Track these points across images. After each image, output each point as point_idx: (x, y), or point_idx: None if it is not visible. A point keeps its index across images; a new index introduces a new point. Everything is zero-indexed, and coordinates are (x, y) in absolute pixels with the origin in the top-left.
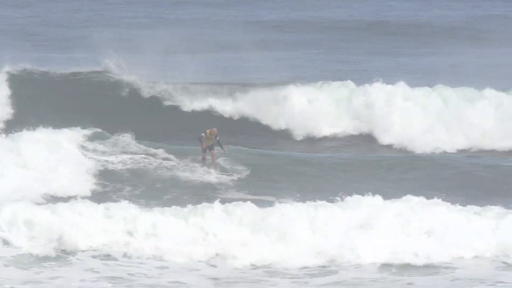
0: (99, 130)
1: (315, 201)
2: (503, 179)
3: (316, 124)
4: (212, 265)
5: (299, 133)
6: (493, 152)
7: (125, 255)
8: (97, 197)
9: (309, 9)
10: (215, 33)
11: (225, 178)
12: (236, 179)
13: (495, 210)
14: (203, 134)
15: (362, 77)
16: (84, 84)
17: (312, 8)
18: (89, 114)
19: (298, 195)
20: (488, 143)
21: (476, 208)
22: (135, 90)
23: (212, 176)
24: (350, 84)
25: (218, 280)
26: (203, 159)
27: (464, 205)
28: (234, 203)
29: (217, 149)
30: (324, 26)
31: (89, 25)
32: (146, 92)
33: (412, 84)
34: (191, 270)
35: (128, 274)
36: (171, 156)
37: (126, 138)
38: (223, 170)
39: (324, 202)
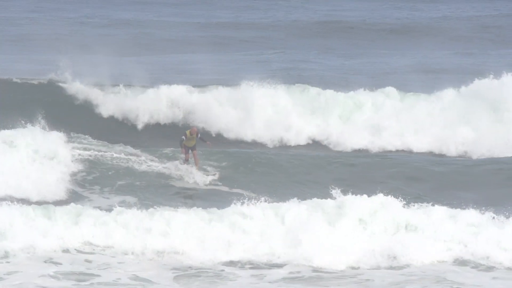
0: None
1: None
2: (453, 176)
3: (275, 127)
4: (174, 256)
5: (255, 136)
6: (437, 151)
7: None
8: (52, 185)
9: (266, 9)
10: (168, 33)
11: (205, 178)
12: (216, 178)
13: (451, 209)
14: (183, 137)
15: (313, 75)
16: (39, 91)
17: (269, 8)
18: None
19: (256, 190)
20: (434, 144)
21: (434, 207)
22: (86, 95)
23: (197, 177)
24: (307, 87)
25: (178, 271)
26: (186, 160)
27: (419, 203)
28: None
29: (200, 148)
30: (280, 26)
31: (44, 24)
32: (98, 97)
33: (368, 84)
34: (151, 260)
35: (88, 268)
36: (128, 150)
37: (83, 136)
38: (202, 170)
39: (291, 200)
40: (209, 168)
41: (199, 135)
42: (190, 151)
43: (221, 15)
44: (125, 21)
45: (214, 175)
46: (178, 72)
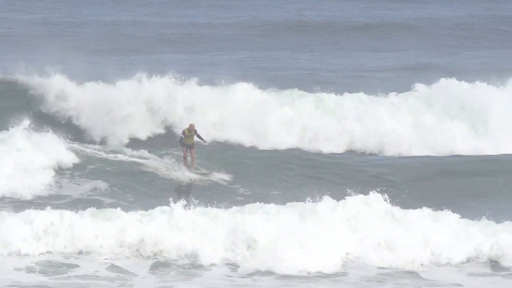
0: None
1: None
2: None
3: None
4: (151, 247)
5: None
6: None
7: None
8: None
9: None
10: (142, 32)
11: (200, 178)
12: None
13: (427, 209)
14: (182, 136)
15: (286, 74)
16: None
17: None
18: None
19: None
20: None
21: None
22: (62, 93)
23: (191, 176)
24: (285, 91)
25: (155, 261)
26: (184, 158)
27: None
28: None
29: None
30: (254, 25)
31: (18, 24)
32: (75, 95)
33: (343, 84)
34: (130, 250)
35: (66, 257)
36: (103, 147)
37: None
38: (197, 169)
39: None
40: (203, 168)
41: (197, 131)
42: (188, 149)
43: (196, 14)
44: (99, 21)
45: (210, 173)
46: (155, 72)
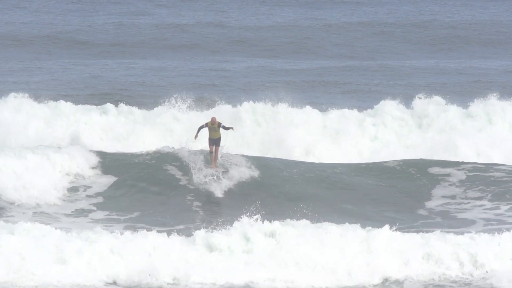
0: None
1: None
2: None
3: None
4: None
5: None
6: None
7: None
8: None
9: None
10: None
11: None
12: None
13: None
14: (203, 125)
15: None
16: None
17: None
18: None
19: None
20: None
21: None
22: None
23: (196, 177)
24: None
25: None
26: (211, 152)
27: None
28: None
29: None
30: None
31: None
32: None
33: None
34: None
35: None
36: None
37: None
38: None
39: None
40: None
41: (221, 124)
42: (214, 145)
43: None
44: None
45: (226, 171)
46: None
